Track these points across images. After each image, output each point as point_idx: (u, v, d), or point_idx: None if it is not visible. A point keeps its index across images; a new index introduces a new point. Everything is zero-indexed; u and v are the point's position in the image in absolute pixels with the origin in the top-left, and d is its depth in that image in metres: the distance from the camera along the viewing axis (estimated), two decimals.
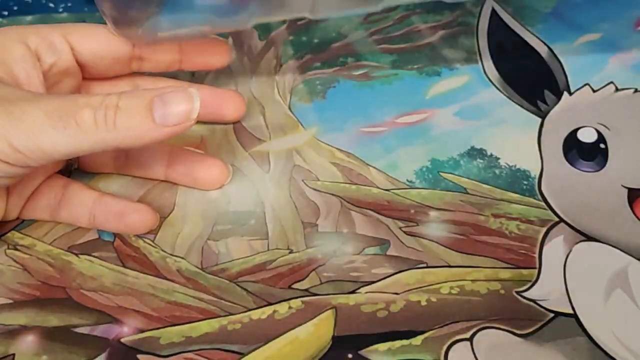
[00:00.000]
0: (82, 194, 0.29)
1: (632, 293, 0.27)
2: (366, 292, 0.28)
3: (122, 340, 0.26)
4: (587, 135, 0.32)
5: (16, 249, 0.29)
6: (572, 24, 0.36)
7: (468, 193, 0.31)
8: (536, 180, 0.31)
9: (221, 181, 0.31)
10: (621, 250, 0.29)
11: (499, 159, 0.32)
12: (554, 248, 0.29)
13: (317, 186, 0.31)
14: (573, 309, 0.27)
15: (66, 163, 0.31)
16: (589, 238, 0.29)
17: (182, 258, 0.29)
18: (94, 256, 0.29)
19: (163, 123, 0.24)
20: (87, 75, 0.30)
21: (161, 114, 0.24)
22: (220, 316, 0.27)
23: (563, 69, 0.34)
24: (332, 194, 0.31)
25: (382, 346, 0.26)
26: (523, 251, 0.29)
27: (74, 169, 0.31)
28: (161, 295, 0.28)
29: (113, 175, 0.31)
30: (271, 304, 0.27)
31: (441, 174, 0.31)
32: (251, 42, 0.36)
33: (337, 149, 0.32)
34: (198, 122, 0.25)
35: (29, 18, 0.38)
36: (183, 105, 0.24)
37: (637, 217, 0.30)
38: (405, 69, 0.35)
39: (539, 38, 0.35)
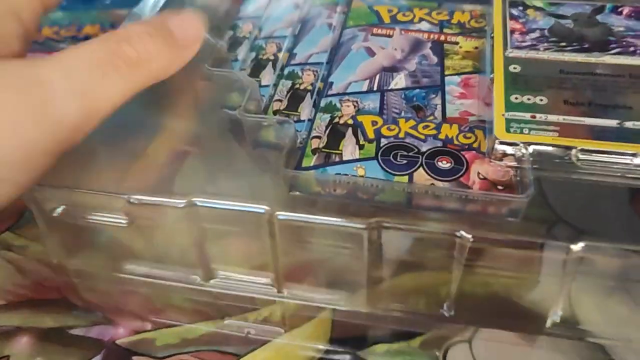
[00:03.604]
0: None
1: (633, 293, 0.27)
2: None
3: (118, 341, 0.26)
4: None
5: (10, 250, 0.29)
6: None
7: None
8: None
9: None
10: (621, 250, 0.28)
11: None
12: (554, 248, 0.29)
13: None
14: (573, 309, 0.27)
15: None
16: (588, 238, 0.29)
17: (179, 259, 0.29)
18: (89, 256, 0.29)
19: (185, 46, 0.24)
20: None
21: (183, 36, 0.23)
22: (216, 318, 0.27)
23: None
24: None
25: (381, 347, 0.26)
26: (522, 251, 0.29)
27: None
28: (157, 297, 0.27)
29: None
30: (269, 305, 0.27)
31: None
32: None
33: None
34: None
35: None
36: (195, 24, 0.24)
37: (637, 216, 0.29)
38: None
39: None
